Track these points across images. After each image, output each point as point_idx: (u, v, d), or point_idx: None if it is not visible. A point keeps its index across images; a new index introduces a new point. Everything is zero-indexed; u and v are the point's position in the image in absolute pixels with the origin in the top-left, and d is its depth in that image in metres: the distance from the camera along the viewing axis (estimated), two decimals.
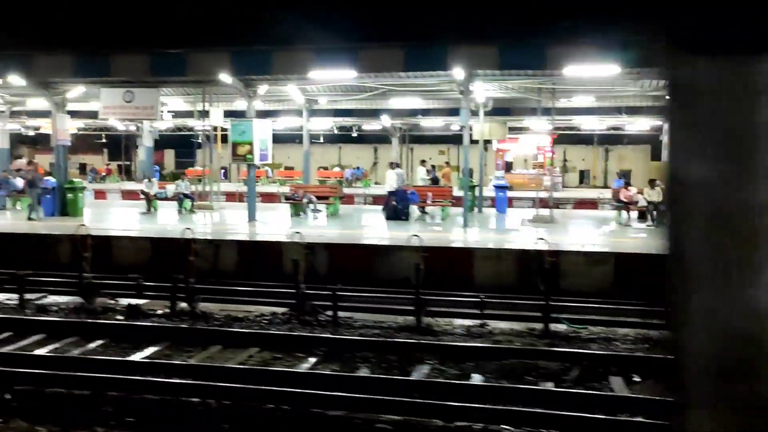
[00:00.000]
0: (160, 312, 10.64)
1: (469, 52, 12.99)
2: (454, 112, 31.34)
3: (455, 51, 13.07)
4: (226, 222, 18.11)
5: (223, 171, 46.54)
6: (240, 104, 23.26)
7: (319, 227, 17.08)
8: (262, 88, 17.32)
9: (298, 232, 11.19)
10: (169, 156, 63.51)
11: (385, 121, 37.29)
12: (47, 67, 15.30)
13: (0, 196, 20.33)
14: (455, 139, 56.21)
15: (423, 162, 22.95)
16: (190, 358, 8.43)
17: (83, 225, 11.50)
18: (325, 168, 47.79)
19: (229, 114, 21.68)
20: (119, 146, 58.41)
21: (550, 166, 39.95)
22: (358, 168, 42.58)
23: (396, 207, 18.22)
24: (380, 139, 53.29)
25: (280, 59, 13.98)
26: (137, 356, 8.45)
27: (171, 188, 20.03)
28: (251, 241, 14.86)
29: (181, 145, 56.67)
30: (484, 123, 35.12)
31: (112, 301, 11.29)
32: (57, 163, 18.73)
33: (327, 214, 19.02)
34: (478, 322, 9.95)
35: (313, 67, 14.26)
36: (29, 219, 17.29)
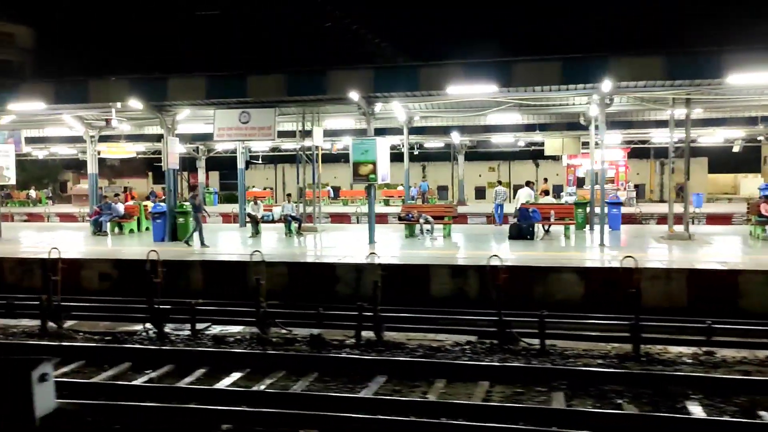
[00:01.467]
0: (348, 342, 9.98)
1: (630, 63, 12.32)
2: (542, 127, 30.72)
3: (612, 63, 12.44)
4: (348, 245, 17.45)
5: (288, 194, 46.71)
6: (332, 123, 22.92)
7: (451, 249, 16.34)
8: (378, 106, 16.79)
9: (495, 255, 10.45)
10: (214, 177, 63.85)
11: (455, 138, 36.71)
12: (180, 89, 14.91)
13: (103, 221, 19.98)
14: (521, 156, 55.72)
15: (528, 183, 22.15)
16: (426, 393, 7.73)
17: (258, 251, 10.92)
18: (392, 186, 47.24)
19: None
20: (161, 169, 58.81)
21: (623, 181, 39.19)
22: (422, 185, 41.64)
23: (519, 226, 17.48)
24: (429, 156, 52.73)
25: (427, 75, 13.41)
26: (365, 393, 7.77)
27: (277, 210, 19.49)
28: (399, 264, 14.11)
29: (226, 167, 56.90)
30: (555, 138, 34.54)
31: (284, 331, 10.67)
32: (168, 187, 18.34)
33: (443, 235, 18.31)
34: (701, 350, 9.13)
35: (459, 82, 13.66)
36: (187, 244, 16.81)
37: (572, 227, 19.00)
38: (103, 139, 35.69)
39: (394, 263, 13.75)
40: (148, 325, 11.02)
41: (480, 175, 60.68)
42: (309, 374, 8.49)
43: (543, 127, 32.34)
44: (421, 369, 8.43)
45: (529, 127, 32.51)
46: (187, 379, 8.40)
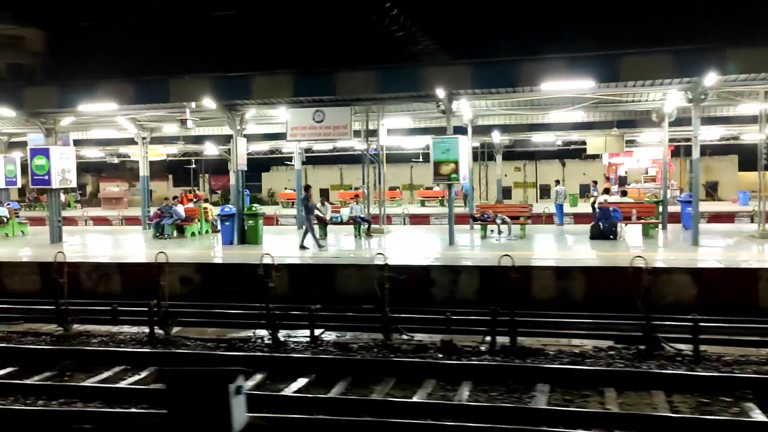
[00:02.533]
0: (483, 348, 9.53)
1: (750, 54, 11.85)
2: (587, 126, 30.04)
3: (731, 54, 11.95)
4: (427, 246, 16.98)
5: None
6: (387, 123, 22.47)
7: (539, 250, 15.88)
8: (455, 105, 16.36)
9: (639, 257, 9.95)
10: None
11: (495, 137, 36.16)
12: (265, 87, 14.49)
13: (166, 224, 19.59)
14: (547, 155, 55.10)
15: (596, 183, 21.70)
16: (605, 404, 7.27)
17: (381, 254, 10.49)
18: (428, 187, 46.84)
19: None
20: (185, 172, 58.52)
21: (667, 179, 38.49)
22: (465, 186, 40.88)
23: (600, 226, 17.01)
24: None
25: (525, 70, 12.96)
26: (536, 404, 7.32)
27: (345, 212, 19.06)
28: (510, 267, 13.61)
29: (249, 168, 56.41)
30: (598, 137, 33.94)
31: (405, 337, 10.22)
32: (236, 189, 17.94)
33: (521, 236, 17.84)
34: None
35: (558, 77, 13.21)
36: (302, 248, 16.16)
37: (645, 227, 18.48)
38: (134, 142, 35.54)
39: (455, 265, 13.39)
40: (261, 332, 10.62)
41: (506, 175, 60.17)
42: (462, 383, 8.05)
43: (589, 126, 31.72)
44: (585, 377, 7.96)
45: (575, 126, 31.89)
46: (342, 390, 7.96)
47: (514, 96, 16.40)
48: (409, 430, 6.19)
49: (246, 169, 18.17)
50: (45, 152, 18.48)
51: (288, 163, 48.16)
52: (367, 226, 18.77)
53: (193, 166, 51.58)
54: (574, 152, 52.94)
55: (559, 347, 9.51)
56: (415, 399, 7.41)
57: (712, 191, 52.18)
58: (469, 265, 13.50)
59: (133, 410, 6.79)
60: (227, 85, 15.03)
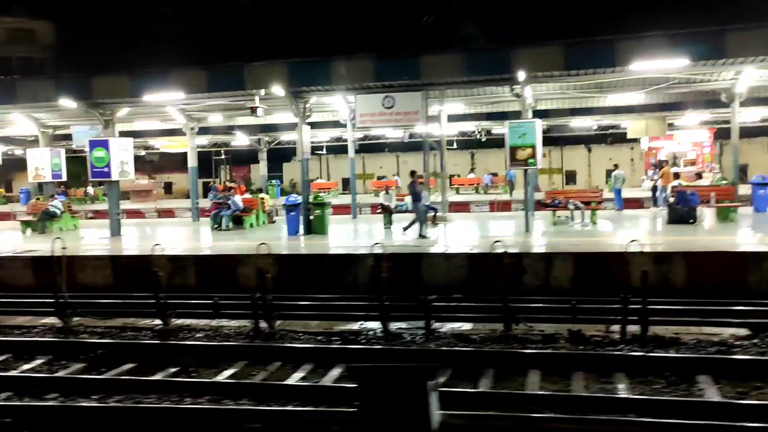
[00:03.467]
0: (614, 338, 9.16)
1: None
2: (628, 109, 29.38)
3: None
4: (501, 234, 16.56)
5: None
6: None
7: (626, 235, 15.43)
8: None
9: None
10: (256, 170, 63.21)
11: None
12: (345, 72, 14.09)
13: (225, 215, 19.27)
14: (572, 141, 54.40)
15: (659, 166, 21.19)
16: None
17: (498, 241, 10.12)
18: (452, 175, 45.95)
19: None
20: (206, 164, 58.18)
21: (709, 162, 37.89)
22: (509, 173, 40.20)
23: (676, 209, 16.57)
24: (471, 144, 51.43)
25: (620, 49, 12.50)
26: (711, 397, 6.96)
27: (409, 200, 18.65)
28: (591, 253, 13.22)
29: (270, 159, 56.43)
30: (639, 120, 33.32)
31: (523, 326, 9.86)
32: (302, 178, 17.58)
33: (592, 221, 17.42)
34: None
35: (654, 56, 12.74)
36: (421, 236, 15.46)
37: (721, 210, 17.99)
38: (167, 133, 35.23)
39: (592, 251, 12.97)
40: (370, 324, 10.30)
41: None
42: (614, 375, 7.69)
43: (630, 110, 31.08)
44: (748, 367, 7.58)
45: (617, 110, 31.26)
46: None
47: (582, 79, 15.97)
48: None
49: (310, 157, 17.78)
50: (104, 144, 18.17)
51: (318, 152, 47.85)
52: (433, 214, 18.37)
53: (223, 156, 51.27)
54: (599, 137, 52.33)
55: (694, 336, 9.13)
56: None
57: (742, 174, 51.50)
58: (572, 251, 13.04)
59: (321, 409, 6.40)
60: (304, 70, 14.62)
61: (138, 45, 52.45)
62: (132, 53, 49.02)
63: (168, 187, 64.03)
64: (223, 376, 8.24)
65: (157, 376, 8.23)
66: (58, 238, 11.25)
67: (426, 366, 5.48)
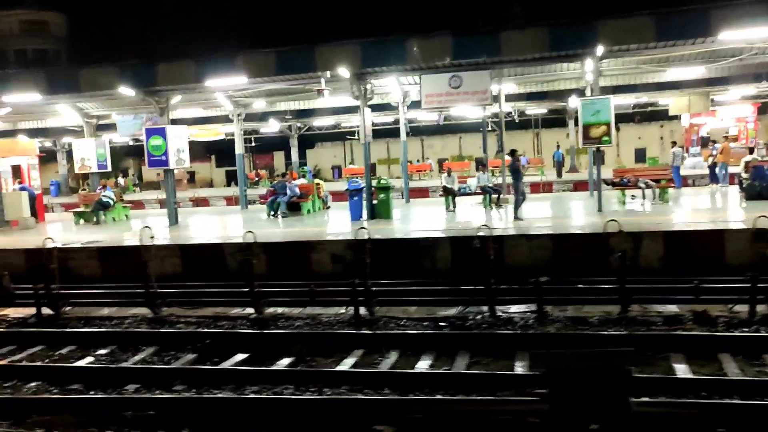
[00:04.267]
0: (741, 317, 8.79)
1: None
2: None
3: None
4: (575, 213, 16.17)
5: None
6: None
7: (707, 214, 15.02)
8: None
9: None
10: (279, 157, 63.00)
11: (573, 102, 34.97)
12: (423, 50, 13.68)
13: (283, 202, 18.99)
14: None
15: (713, 142, 20.66)
16: None
17: (613, 220, 9.75)
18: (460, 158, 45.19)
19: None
20: (227, 152, 57.92)
21: (753, 138, 37.09)
22: (556, 153, 39.41)
23: (753, 185, 16.11)
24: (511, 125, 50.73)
25: (719, 17, 11.99)
26: None
27: (472, 182, 18.32)
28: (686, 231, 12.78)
29: (289, 147, 56.21)
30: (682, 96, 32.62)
31: (638, 308, 9.50)
32: (365, 162, 17.24)
33: (663, 200, 16.95)
34: None
35: (749, 25, 12.24)
36: (516, 219, 14.89)
37: None
38: (199, 121, 34.97)
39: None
40: (474, 308, 9.97)
41: (558, 143, 59.03)
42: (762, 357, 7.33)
43: (673, 86, 30.35)
44: None
45: (660, 86, 30.55)
46: None
47: (657, 52, 15.48)
48: None
49: (372, 140, 17.42)
50: (161, 132, 17.91)
51: (350, 137, 47.40)
52: (497, 196, 18.02)
53: (253, 144, 50.98)
54: (626, 117, 51.48)
55: None
56: None
57: None
58: (662, 230, 12.63)
59: (510, 398, 6.05)
60: (377, 50, 14.22)
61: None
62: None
63: (191, 176, 64.05)
64: (346, 365, 7.96)
65: (278, 366, 7.96)
66: (146, 227, 11.00)
67: (622, 351, 5.15)
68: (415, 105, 20.39)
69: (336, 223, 17.05)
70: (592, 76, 17.86)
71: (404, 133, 21.66)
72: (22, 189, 21.49)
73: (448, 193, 17.95)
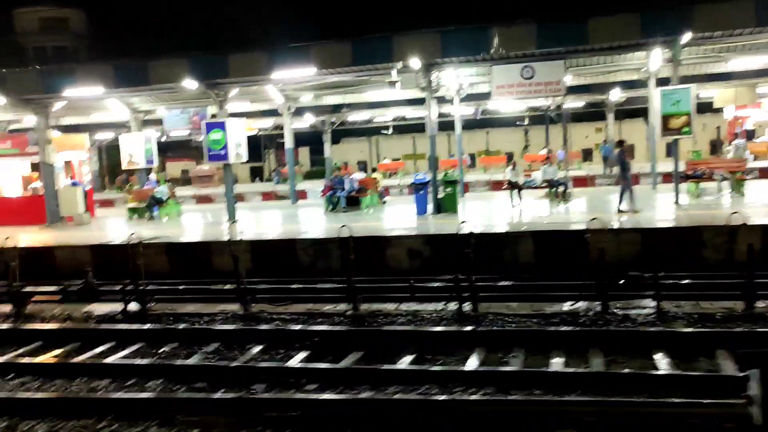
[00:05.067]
0: None
1: None
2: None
3: None
4: (658, 206, 15.70)
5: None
6: None
7: None
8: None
9: None
10: (304, 153, 62.79)
11: (613, 96, 34.32)
12: (508, 39, 13.29)
13: (342, 197, 18.68)
14: (631, 114, 52.86)
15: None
16: None
17: (735, 213, 9.33)
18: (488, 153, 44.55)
19: None
20: (256, 148, 57.80)
21: None
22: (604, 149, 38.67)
23: None
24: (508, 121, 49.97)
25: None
26: None
27: (537, 175, 17.91)
28: None
29: (315, 142, 56.05)
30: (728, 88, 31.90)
31: (762, 304, 9.08)
32: (431, 156, 16.88)
33: (738, 193, 16.46)
34: None
35: None
36: (620, 211, 14.44)
37: None
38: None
39: None
40: (581, 304, 9.60)
41: (587, 137, 58.26)
42: None
43: (721, 77, 29.61)
44: None
45: (710, 78, 29.86)
46: None
47: (736, 40, 14.98)
48: None
49: (436, 132, 17.05)
50: (221, 126, 17.64)
51: (385, 132, 47.07)
52: (563, 189, 17.60)
53: (277, 140, 50.81)
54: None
55: None
56: None
57: None
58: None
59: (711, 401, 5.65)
60: (457, 39, 13.84)
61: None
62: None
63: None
64: (473, 364, 7.62)
65: (401, 366, 7.64)
66: (234, 221, 10.71)
67: None
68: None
69: (402, 218, 16.73)
70: (654, 66, 17.41)
71: (459, 127, 21.26)
72: (74, 185, 21.36)
73: (514, 186, 17.54)
